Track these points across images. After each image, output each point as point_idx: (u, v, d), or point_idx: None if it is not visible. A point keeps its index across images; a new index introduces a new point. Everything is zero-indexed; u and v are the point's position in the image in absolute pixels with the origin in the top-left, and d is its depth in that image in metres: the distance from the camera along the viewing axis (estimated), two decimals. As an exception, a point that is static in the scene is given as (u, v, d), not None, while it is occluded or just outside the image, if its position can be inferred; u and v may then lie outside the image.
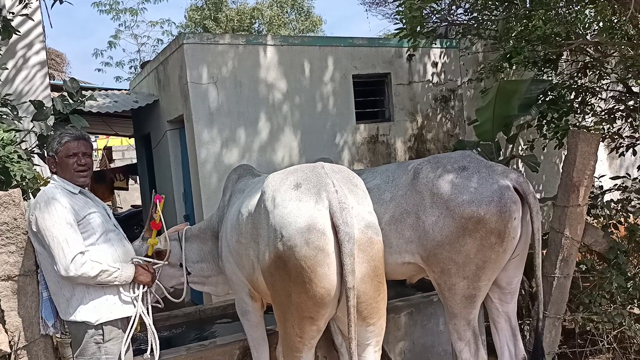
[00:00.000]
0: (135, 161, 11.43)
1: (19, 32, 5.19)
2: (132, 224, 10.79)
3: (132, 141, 12.57)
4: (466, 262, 3.41)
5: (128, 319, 3.22)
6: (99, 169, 15.97)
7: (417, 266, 3.67)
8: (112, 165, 16.15)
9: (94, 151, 19.40)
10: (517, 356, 3.83)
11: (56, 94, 5.62)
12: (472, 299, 3.53)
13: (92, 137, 17.73)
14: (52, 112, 4.57)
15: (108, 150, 17.54)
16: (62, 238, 2.95)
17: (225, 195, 4.15)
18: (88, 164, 3.25)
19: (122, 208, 15.60)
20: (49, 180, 3.37)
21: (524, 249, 3.62)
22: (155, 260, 3.36)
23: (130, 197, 15.46)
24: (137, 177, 11.00)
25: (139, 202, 12.80)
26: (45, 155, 3.31)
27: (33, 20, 5.65)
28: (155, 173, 8.10)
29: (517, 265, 3.69)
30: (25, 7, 4.98)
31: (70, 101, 4.59)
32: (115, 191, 14.21)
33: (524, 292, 5.31)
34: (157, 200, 3.33)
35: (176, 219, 7.01)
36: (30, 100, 4.72)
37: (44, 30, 6.17)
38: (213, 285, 4.15)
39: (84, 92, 4.82)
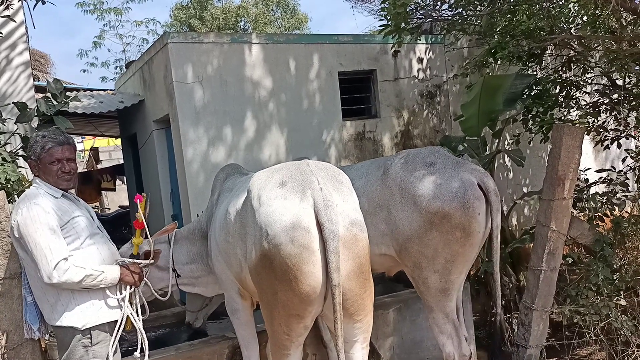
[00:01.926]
0: (122, 162, 11.37)
1: (1, 33, 5.14)
2: (119, 225, 10.75)
3: (118, 142, 12.50)
4: (435, 256, 3.54)
5: (116, 322, 3.20)
6: (86, 170, 15.87)
7: (393, 258, 3.81)
8: (99, 166, 16.05)
9: (80, 152, 19.32)
10: (460, 340, 3.85)
11: (41, 95, 5.58)
12: (446, 292, 3.66)
13: (79, 138, 17.66)
14: (35, 114, 4.53)
15: (95, 151, 17.44)
16: (45, 244, 2.91)
17: (213, 194, 4.14)
18: (72, 170, 3.20)
19: (109, 209, 15.52)
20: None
21: (481, 243, 3.75)
22: (141, 260, 3.34)
23: (117, 197, 15.36)
24: (125, 177, 10.94)
25: (126, 203, 12.73)
26: (27, 158, 3.26)
27: (15, 22, 5.60)
28: (142, 173, 8.05)
29: (472, 259, 3.81)
30: (6, 8, 4.93)
31: (54, 102, 4.56)
32: (103, 192, 14.15)
33: (510, 286, 5.35)
34: (137, 200, 3.31)
35: (164, 219, 6.98)
36: (13, 102, 4.67)
37: (27, 31, 6.12)
38: (203, 286, 4.14)
39: (68, 93, 4.79)
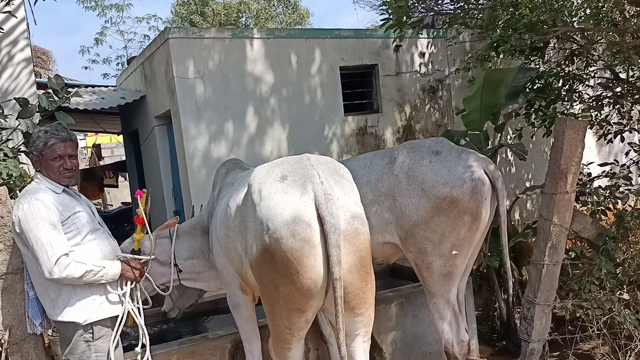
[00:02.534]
0: (124, 158, 11.39)
1: (2, 29, 5.14)
2: (122, 221, 10.76)
3: (120, 138, 12.51)
4: (442, 241, 3.62)
5: (117, 317, 3.20)
6: (88, 166, 15.88)
7: (395, 246, 3.87)
8: (101, 163, 16.07)
9: (83, 149, 19.30)
10: (459, 327, 3.90)
11: (42, 92, 5.59)
12: (449, 277, 3.72)
13: (81, 135, 17.67)
14: (37, 110, 4.53)
15: (97, 147, 17.46)
16: (46, 240, 2.90)
17: (214, 189, 4.14)
18: (74, 166, 3.19)
19: (112, 205, 15.56)
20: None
21: (487, 229, 3.86)
22: (142, 256, 3.34)
23: (120, 194, 15.39)
24: (127, 174, 10.96)
25: (129, 199, 12.75)
26: (29, 153, 3.25)
27: (16, 18, 5.60)
28: (144, 169, 8.06)
29: (477, 244, 3.92)
30: (7, 4, 4.93)
31: (55, 98, 4.56)
32: (105, 188, 14.16)
33: (513, 281, 5.33)
34: (138, 196, 3.31)
35: (166, 215, 6.99)
36: (14, 98, 4.67)
37: (28, 27, 6.14)
38: (205, 281, 4.13)
39: (69, 89, 4.79)
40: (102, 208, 14.84)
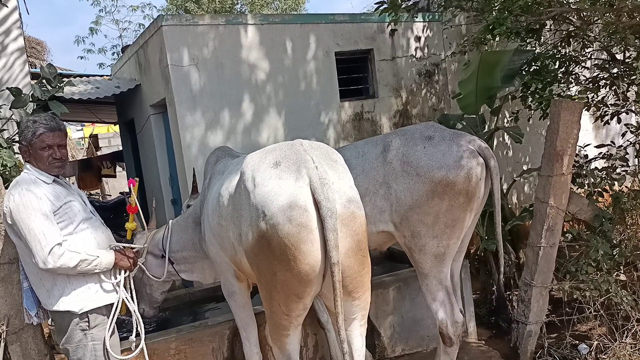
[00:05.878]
0: (121, 148, 11.34)
1: (-6, 19, 5.10)
2: (121, 211, 10.73)
3: (117, 128, 12.47)
4: (435, 222, 3.65)
5: (112, 305, 3.20)
6: (86, 157, 15.85)
7: (388, 234, 3.89)
8: (99, 153, 16.02)
9: (80, 139, 19.15)
10: (452, 307, 3.92)
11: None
12: (441, 257, 3.75)
13: (78, 126, 17.62)
14: (30, 99, 4.50)
15: (94, 138, 17.39)
16: (39, 230, 2.90)
17: (205, 178, 4.13)
18: (63, 156, 3.18)
19: (110, 195, 15.53)
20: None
21: (480, 209, 3.92)
22: (135, 245, 3.34)
23: (118, 184, 15.35)
24: (124, 163, 10.93)
25: (127, 189, 12.71)
26: (18, 143, 3.24)
27: (7, 7, 5.56)
28: (140, 158, 8.04)
29: (471, 224, 3.97)
30: (-2, -7, 4.90)
31: (49, 87, 4.53)
32: (103, 179, 14.13)
33: (510, 263, 5.35)
34: (131, 185, 3.32)
35: (164, 204, 6.98)
36: (7, 88, 4.64)
37: (20, 16, 6.09)
38: (200, 272, 4.13)
39: (63, 79, 4.75)
40: (100, 198, 14.82)
